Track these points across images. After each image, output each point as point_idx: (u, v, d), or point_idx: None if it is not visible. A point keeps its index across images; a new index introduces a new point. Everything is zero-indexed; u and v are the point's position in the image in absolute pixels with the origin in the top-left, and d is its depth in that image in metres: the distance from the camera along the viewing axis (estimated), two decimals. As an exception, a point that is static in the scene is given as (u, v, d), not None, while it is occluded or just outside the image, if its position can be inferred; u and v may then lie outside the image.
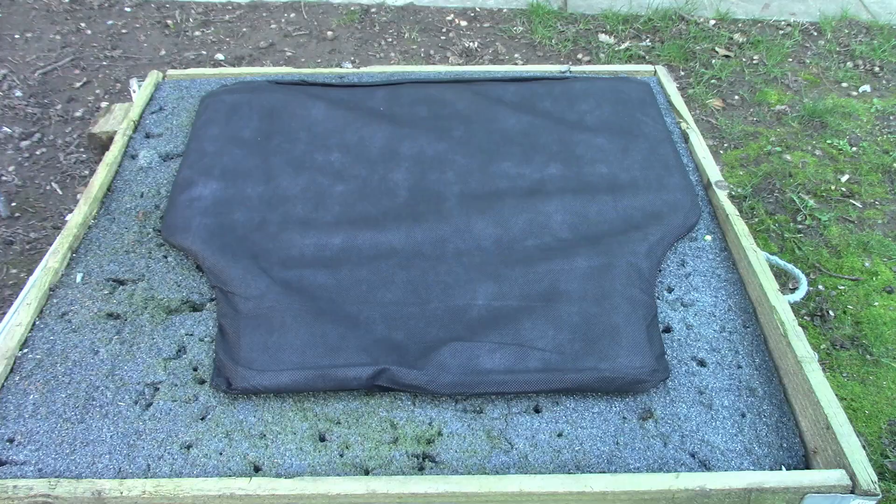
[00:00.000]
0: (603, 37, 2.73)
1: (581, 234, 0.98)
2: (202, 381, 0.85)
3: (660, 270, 0.99)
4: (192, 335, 0.90)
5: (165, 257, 1.00)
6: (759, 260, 0.96)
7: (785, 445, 0.79)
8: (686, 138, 1.21)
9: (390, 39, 2.68)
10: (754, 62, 2.76)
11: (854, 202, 2.14)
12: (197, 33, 2.76)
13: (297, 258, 0.96)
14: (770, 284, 0.92)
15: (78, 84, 2.47)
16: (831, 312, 1.81)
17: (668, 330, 0.91)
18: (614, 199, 1.02)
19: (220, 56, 2.62)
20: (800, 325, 0.88)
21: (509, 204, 1.03)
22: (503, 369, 0.82)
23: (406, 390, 0.82)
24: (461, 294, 0.91)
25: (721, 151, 2.35)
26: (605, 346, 0.84)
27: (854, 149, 2.35)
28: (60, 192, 2.00)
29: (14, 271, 1.79)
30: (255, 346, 0.85)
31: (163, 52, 2.63)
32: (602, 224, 0.99)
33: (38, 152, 2.17)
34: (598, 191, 1.04)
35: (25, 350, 0.88)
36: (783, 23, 3.00)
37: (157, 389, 0.84)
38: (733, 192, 2.14)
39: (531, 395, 0.83)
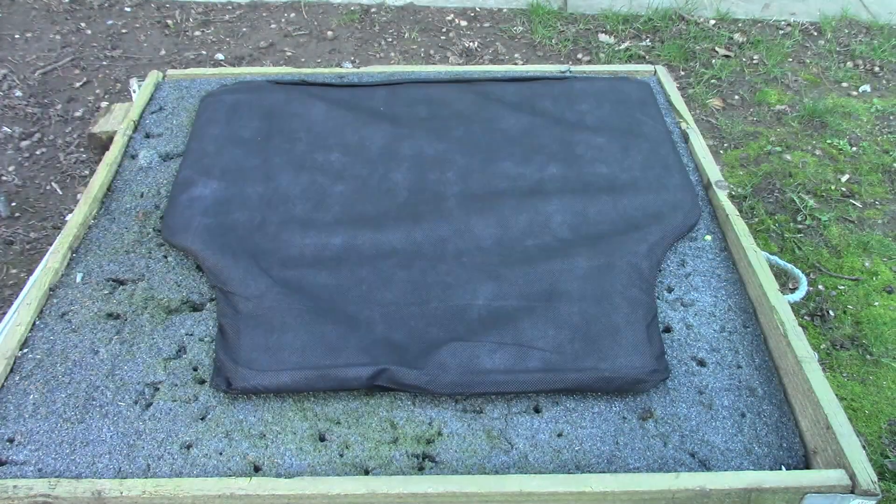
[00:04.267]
0: (603, 37, 2.73)
1: (581, 234, 0.98)
2: (202, 381, 0.85)
3: (660, 270, 0.99)
4: (192, 335, 0.90)
5: (165, 257, 1.00)
6: (759, 260, 0.96)
7: (785, 445, 0.79)
8: (686, 138, 1.21)
9: (390, 39, 2.68)
10: (754, 62, 2.76)
11: (854, 202, 2.14)
12: (197, 33, 2.76)
13: (297, 258, 0.96)
14: (770, 284, 0.92)
15: (78, 84, 2.47)
16: (831, 312, 1.81)
17: (668, 330, 0.91)
18: (614, 199, 1.02)
19: (220, 56, 2.62)
20: (800, 325, 0.88)
21: (509, 204, 1.03)
22: (503, 369, 0.82)
23: (406, 390, 0.82)
24: (461, 294, 0.91)
25: (721, 151, 2.35)
26: (605, 346, 0.84)
27: (854, 149, 2.35)
28: (60, 192, 2.01)
29: (14, 271, 1.79)
30: (255, 346, 0.85)
31: (163, 52, 2.64)
32: (602, 224, 0.99)
33: (38, 152, 2.17)
34: (599, 191, 1.04)
35: (25, 350, 0.88)
36: (783, 23, 3.00)
37: (157, 389, 0.84)
38: (733, 192, 2.14)
39: (531, 394, 0.83)
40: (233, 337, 0.86)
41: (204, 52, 2.64)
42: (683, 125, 1.23)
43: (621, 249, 0.95)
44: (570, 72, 1.31)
